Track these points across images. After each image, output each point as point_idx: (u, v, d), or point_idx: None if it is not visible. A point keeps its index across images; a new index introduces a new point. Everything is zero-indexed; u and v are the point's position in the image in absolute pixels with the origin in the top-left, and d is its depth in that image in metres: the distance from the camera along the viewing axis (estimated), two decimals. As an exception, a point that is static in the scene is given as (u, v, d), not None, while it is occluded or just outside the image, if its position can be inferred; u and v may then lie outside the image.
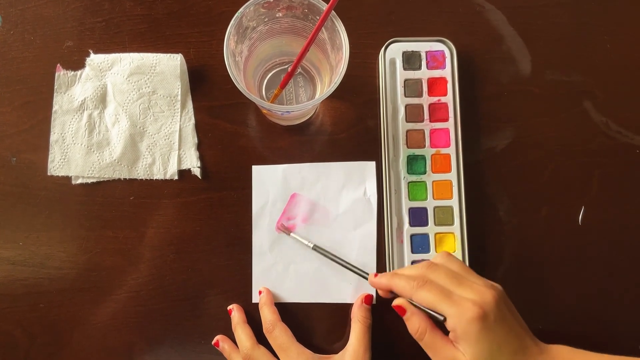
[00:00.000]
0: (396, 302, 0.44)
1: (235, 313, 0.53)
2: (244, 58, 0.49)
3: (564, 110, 0.56)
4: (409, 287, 0.42)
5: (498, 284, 0.43)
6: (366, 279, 0.48)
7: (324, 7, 0.44)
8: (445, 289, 0.41)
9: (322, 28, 0.44)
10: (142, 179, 0.55)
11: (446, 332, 0.42)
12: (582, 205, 0.55)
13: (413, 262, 0.53)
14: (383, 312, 0.53)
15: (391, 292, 0.45)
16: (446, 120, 0.55)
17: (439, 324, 0.43)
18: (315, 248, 0.52)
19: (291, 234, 0.53)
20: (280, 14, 0.47)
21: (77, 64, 0.56)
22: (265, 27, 0.48)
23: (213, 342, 0.53)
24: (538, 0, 0.58)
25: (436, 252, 0.53)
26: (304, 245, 0.53)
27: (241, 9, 0.44)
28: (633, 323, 0.54)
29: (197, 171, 0.54)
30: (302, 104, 0.45)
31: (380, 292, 0.47)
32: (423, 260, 0.53)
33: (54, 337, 0.53)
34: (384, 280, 0.45)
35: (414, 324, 0.43)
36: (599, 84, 0.57)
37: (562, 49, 0.57)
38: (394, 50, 0.55)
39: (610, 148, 0.56)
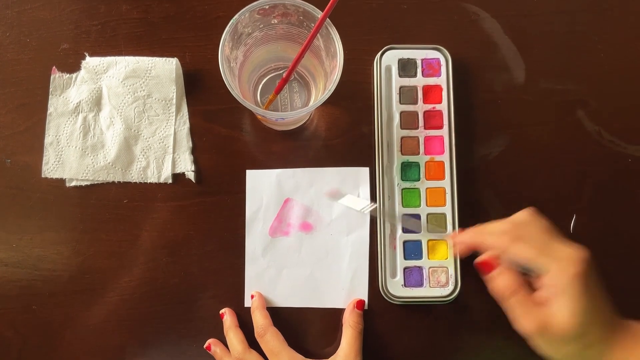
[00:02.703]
0: (482, 257, 0.41)
1: (227, 317, 0.53)
2: (239, 63, 0.49)
3: (558, 118, 0.57)
4: (501, 241, 0.40)
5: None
6: (445, 237, 0.44)
7: (319, 14, 0.44)
8: (542, 244, 0.39)
9: (317, 35, 0.45)
10: (136, 182, 0.55)
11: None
12: (574, 213, 0.55)
13: (405, 269, 0.53)
14: (375, 318, 0.54)
15: (473, 250, 0.42)
16: (441, 127, 0.55)
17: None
18: (372, 213, 0.50)
19: (343, 198, 0.52)
20: (276, 21, 0.47)
21: (73, 67, 0.56)
22: (261, 33, 0.48)
23: (205, 346, 0.53)
24: (533, 9, 0.58)
25: (429, 259, 0.53)
26: (298, 248, 0.54)
27: (236, 16, 0.44)
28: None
29: (191, 175, 0.55)
30: (296, 111, 0.45)
31: (459, 251, 0.42)
32: (415, 267, 0.53)
33: (47, 338, 0.54)
34: (469, 235, 0.42)
35: (504, 281, 0.39)
36: (592, 93, 0.57)
37: (556, 58, 0.57)
38: (390, 57, 0.56)
39: (603, 157, 0.56)
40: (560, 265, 0.38)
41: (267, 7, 0.45)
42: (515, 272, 0.40)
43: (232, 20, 0.44)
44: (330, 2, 0.42)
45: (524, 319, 0.39)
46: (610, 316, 0.40)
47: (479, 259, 0.41)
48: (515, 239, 0.39)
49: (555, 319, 0.38)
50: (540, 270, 0.38)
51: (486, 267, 0.41)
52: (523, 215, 0.42)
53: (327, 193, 0.52)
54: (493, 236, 0.41)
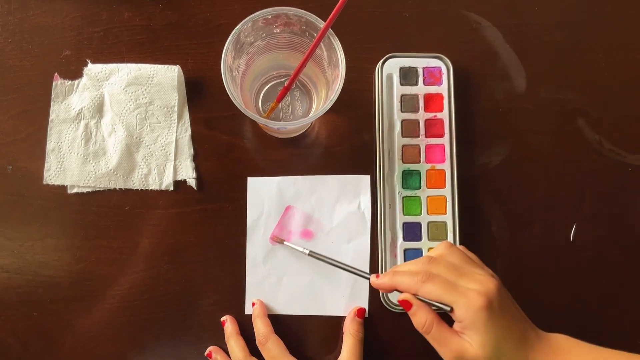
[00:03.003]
0: (401, 297, 0.44)
1: (229, 324, 0.53)
2: (241, 72, 0.49)
3: (558, 127, 0.57)
4: (413, 282, 0.42)
5: (494, 274, 0.43)
6: (368, 279, 0.47)
7: (322, 24, 0.44)
8: (449, 281, 0.42)
9: (320, 44, 0.45)
10: (137, 189, 0.55)
11: (450, 324, 0.42)
12: (574, 222, 0.56)
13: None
14: (375, 326, 0.54)
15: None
16: (442, 136, 0.55)
17: (443, 317, 0.43)
18: (312, 254, 0.52)
19: (284, 242, 0.54)
20: (278, 30, 0.47)
21: (75, 74, 0.56)
22: (263, 42, 0.48)
23: (206, 353, 0.53)
24: (534, 18, 0.58)
25: (429, 267, 0.54)
26: (299, 255, 0.54)
27: (239, 26, 0.44)
28: (623, 339, 0.55)
29: (192, 182, 0.55)
30: (297, 121, 0.45)
31: (383, 291, 0.46)
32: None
33: (47, 345, 0.54)
34: (386, 279, 0.44)
35: (421, 318, 0.43)
36: (593, 102, 0.57)
37: (557, 67, 0.58)
38: (391, 66, 0.56)
39: (603, 166, 0.56)
40: (466, 301, 0.40)
41: (269, 16, 0.45)
42: (429, 308, 0.43)
43: (234, 30, 0.44)
44: (332, 13, 0.43)
45: (441, 350, 0.42)
46: (525, 336, 0.42)
47: (399, 298, 0.44)
48: (424, 279, 0.42)
49: (467, 351, 0.41)
50: (449, 306, 0.41)
51: (405, 305, 0.44)
52: (437, 251, 0.45)
53: (270, 241, 0.54)
54: (405, 278, 0.43)
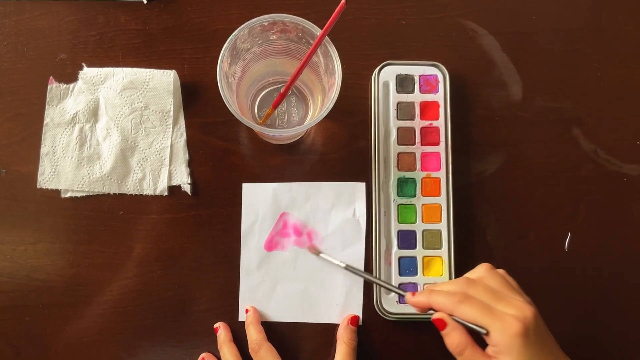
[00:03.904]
0: (436, 315, 0.43)
1: (222, 331, 0.53)
2: (237, 79, 0.49)
3: (554, 136, 0.57)
4: (450, 302, 0.42)
5: (531, 301, 0.43)
6: (404, 296, 0.47)
7: (318, 31, 0.44)
8: (486, 304, 0.41)
9: (316, 51, 0.45)
10: (131, 194, 0.55)
11: (483, 348, 0.42)
12: (569, 231, 0.56)
13: (400, 285, 0.53)
14: (369, 334, 0.54)
15: (430, 308, 0.45)
16: (437, 144, 0.55)
17: (477, 340, 0.42)
18: (348, 268, 0.52)
19: (321, 254, 0.54)
20: (275, 37, 0.47)
21: (70, 77, 0.56)
22: (259, 48, 0.48)
23: (198, 360, 0.53)
24: (531, 27, 0.58)
25: (424, 275, 0.53)
26: (292, 262, 0.54)
27: (235, 32, 0.44)
28: (619, 348, 0.55)
29: (187, 187, 0.55)
30: (293, 128, 0.45)
31: (417, 310, 0.46)
32: (410, 283, 0.53)
33: (39, 350, 0.53)
34: (422, 297, 0.44)
35: (454, 339, 0.42)
36: (589, 112, 0.57)
37: (553, 76, 0.58)
38: (388, 73, 0.56)
39: (599, 175, 0.57)
40: (502, 325, 0.40)
41: (266, 23, 0.45)
42: (463, 330, 0.42)
43: (231, 37, 0.44)
44: (329, 21, 0.43)
45: None
46: None
47: (433, 317, 0.44)
48: (461, 300, 0.42)
49: None
50: (485, 329, 0.40)
51: (439, 325, 0.43)
52: (477, 273, 0.45)
53: (308, 249, 0.54)
54: (441, 297, 0.43)
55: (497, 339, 0.40)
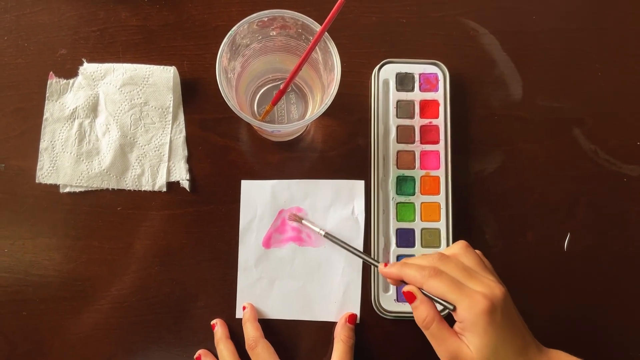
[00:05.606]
0: (406, 288, 0.43)
1: (219, 328, 0.52)
2: (236, 74, 0.49)
3: (554, 136, 0.57)
4: (420, 276, 0.42)
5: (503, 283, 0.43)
6: (376, 267, 0.47)
7: (318, 27, 0.44)
8: (456, 280, 0.41)
9: (316, 48, 0.45)
10: (130, 190, 0.55)
11: (451, 325, 0.42)
12: (568, 231, 0.55)
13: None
14: (366, 332, 0.53)
15: (402, 281, 0.45)
16: (437, 142, 0.55)
17: (445, 317, 0.43)
18: (327, 236, 0.52)
19: (303, 221, 0.53)
20: (274, 33, 0.47)
21: (70, 73, 0.56)
22: (259, 44, 0.48)
23: (195, 357, 0.52)
24: (531, 26, 0.58)
25: (421, 273, 0.53)
26: (291, 260, 0.53)
27: (234, 27, 0.44)
28: (617, 348, 0.55)
29: (185, 184, 0.54)
30: (292, 124, 0.45)
31: (390, 281, 0.46)
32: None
33: (36, 345, 0.53)
34: (394, 269, 0.44)
35: (422, 312, 0.42)
36: (589, 112, 0.57)
37: (554, 76, 0.58)
38: (388, 71, 0.56)
39: (598, 175, 0.56)
40: (469, 302, 0.40)
41: (266, 19, 0.45)
42: (432, 304, 0.42)
43: (230, 32, 0.44)
44: (328, 17, 0.43)
45: (438, 349, 0.42)
46: (525, 349, 0.41)
47: (403, 289, 0.44)
48: (431, 275, 0.42)
49: (463, 353, 0.40)
50: (453, 304, 0.40)
51: (408, 297, 0.43)
52: (452, 249, 0.45)
53: (288, 219, 0.54)
54: (412, 270, 0.43)
55: (463, 315, 0.40)
